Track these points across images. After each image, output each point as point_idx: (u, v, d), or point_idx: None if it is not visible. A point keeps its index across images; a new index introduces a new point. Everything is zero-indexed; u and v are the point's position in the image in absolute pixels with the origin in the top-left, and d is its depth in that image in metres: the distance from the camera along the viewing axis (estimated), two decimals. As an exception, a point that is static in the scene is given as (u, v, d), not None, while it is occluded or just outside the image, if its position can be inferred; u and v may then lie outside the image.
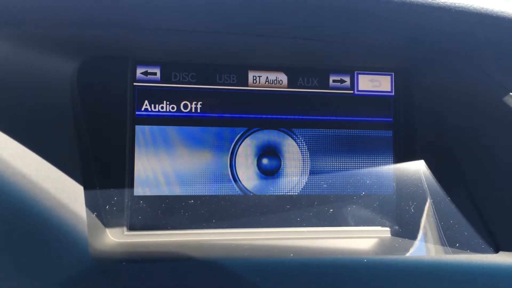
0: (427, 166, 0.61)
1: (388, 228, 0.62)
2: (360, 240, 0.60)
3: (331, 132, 0.62)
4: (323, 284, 0.49)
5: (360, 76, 0.64)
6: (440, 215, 0.59)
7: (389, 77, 0.64)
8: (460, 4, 0.49)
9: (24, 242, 0.45)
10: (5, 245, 0.45)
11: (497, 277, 0.51)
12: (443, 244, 0.56)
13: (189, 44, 0.57)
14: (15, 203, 0.45)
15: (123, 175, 0.57)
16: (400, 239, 0.60)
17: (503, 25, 0.50)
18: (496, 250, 0.55)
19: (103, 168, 0.56)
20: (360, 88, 0.63)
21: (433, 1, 0.48)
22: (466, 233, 0.55)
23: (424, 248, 0.58)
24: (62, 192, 0.48)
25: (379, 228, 0.62)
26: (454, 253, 0.54)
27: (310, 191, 0.61)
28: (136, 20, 0.50)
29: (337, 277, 0.49)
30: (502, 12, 0.50)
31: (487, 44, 0.53)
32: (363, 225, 0.62)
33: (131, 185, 0.58)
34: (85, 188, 0.51)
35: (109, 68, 0.58)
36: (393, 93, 0.64)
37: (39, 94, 0.52)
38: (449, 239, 0.56)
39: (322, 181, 0.61)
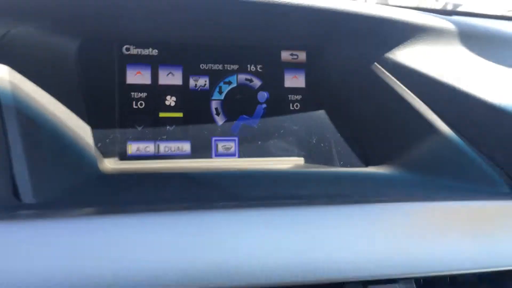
0: (325, 112, 0.85)
1: (302, 158, 0.85)
2: (281, 165, 0.83)
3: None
4: (259, 187, 0.69)
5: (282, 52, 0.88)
6: (330, 142, 0.83)
7: (304, 52, 0.88)
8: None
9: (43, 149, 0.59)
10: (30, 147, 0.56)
11: (365, 182, 0.75)
12: (325, 163, 0.81)
13: (177, 23, 0.68)
14: (34, 118, 0.58)
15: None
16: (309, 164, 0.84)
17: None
18: (366, 165, 0.77)
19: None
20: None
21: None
22: (343, 152, 0.80)
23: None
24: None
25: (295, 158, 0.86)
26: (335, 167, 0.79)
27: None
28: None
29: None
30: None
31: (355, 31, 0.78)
32: (282, 156, 0.84)
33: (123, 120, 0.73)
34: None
35: (96, 48, 0.69)
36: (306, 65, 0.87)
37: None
38: (331, 158, 0.82)
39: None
